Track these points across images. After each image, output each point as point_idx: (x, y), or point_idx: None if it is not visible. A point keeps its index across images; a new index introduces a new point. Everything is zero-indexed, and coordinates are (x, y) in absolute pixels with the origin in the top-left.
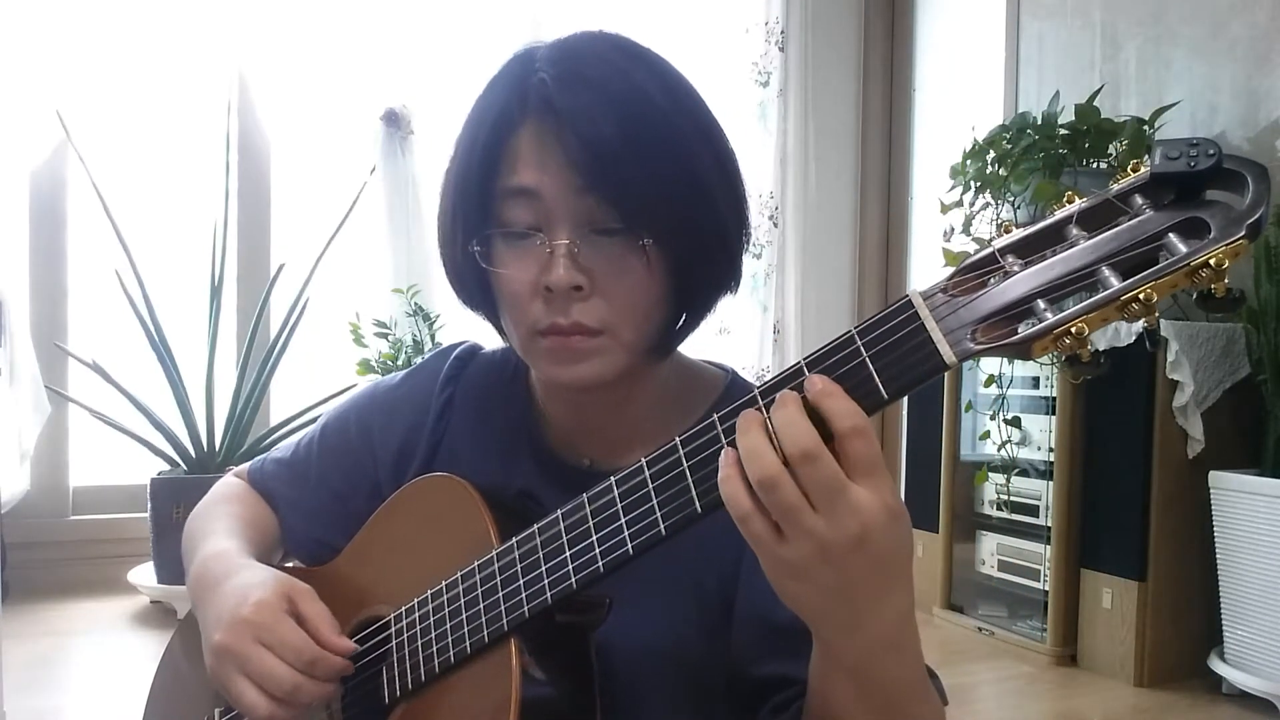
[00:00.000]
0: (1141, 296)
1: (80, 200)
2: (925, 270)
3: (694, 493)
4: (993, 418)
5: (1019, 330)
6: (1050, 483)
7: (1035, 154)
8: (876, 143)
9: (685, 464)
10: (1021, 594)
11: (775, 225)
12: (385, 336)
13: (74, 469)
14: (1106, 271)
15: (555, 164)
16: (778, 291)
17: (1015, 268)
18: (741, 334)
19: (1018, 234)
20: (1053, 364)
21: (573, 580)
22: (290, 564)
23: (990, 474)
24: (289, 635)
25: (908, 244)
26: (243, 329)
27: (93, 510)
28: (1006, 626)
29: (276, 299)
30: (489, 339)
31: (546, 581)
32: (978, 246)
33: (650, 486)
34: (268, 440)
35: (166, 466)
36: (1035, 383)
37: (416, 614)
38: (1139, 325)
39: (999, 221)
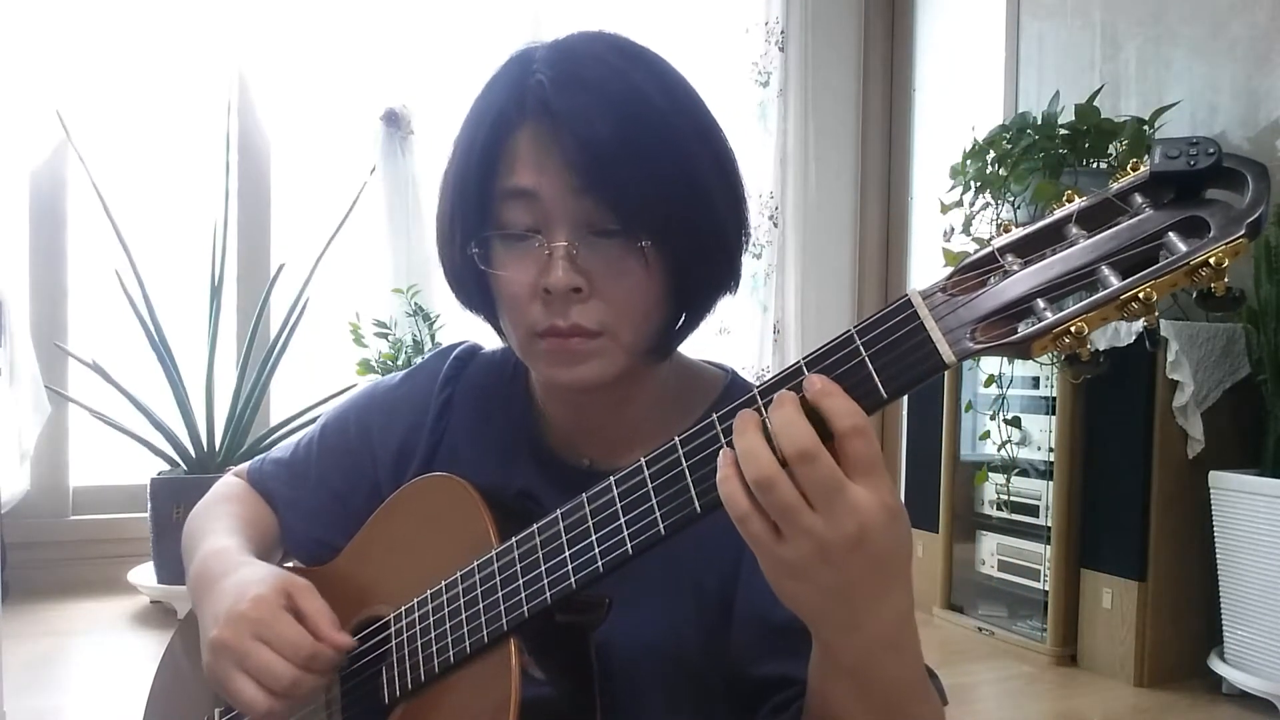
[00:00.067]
0: (1141, 295)
1: (80, 200)
2: (925, 270)
3: (693, 493)
4: (993, 418)
5: (1019, 329)
6: (1050, 483)
7: (1035, 154)
8: (876, 143)
9: (685, 464)
10: (1021, 594)
11: (775, 225)
12: (385, 336)
13: (74, 469)
14: (1106, 270)
15: (553, 166)
16: (778, 291)
17: (1015, 267)
18: (741, 334)
19: (1017, 233)
20: (1053, 364)
21: (572, 580)
22: (290, 564)
23: (990, 474)
24: (287, 631)
25: (908, 244)
26: (243, 329)
27: (93, 510)
28: (1006, 626)
29: (276, 299)
30: (489, 339)
31: (546, 581)
32: (978, 246)
33: (650, 486)
34: (268, 440)
35: (166, 466)
36: (1035, 383)
37: (416, 614)
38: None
39: (999, 221)
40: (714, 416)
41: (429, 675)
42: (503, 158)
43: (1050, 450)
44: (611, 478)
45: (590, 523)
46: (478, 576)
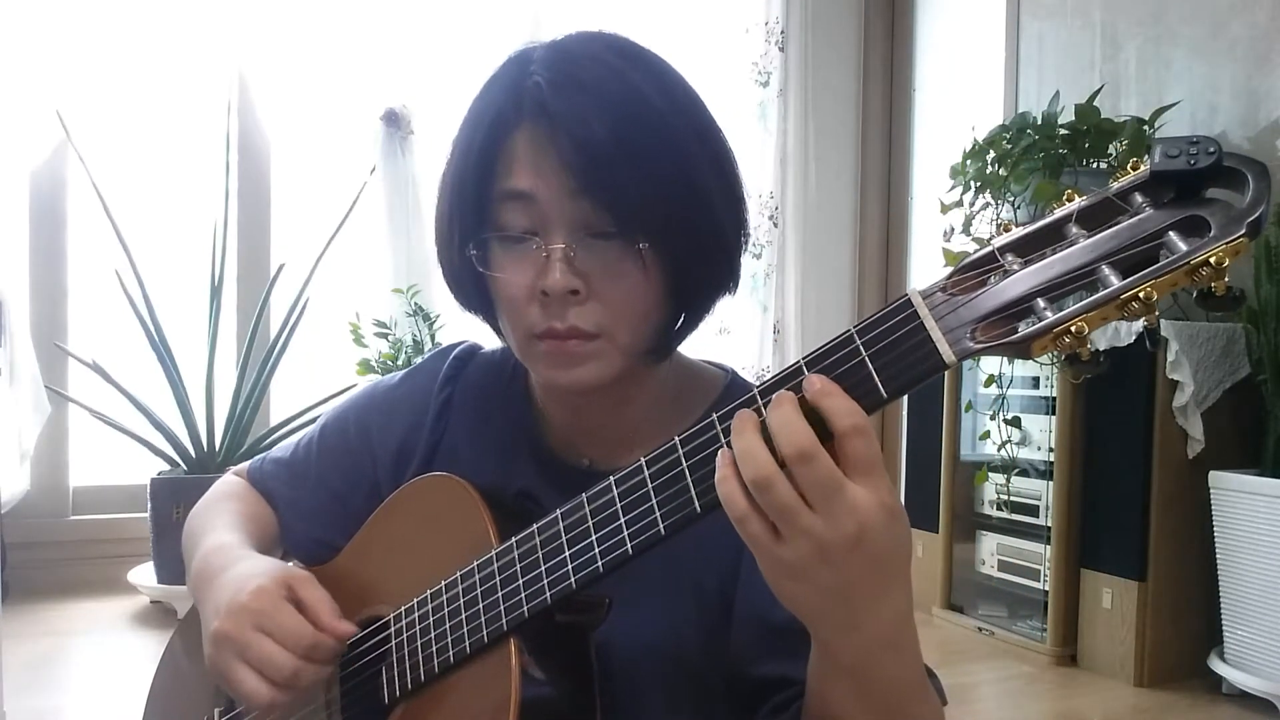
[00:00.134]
0: (1141, 295)
1: (80, 200)
2: (925, 270)
3: (693, 493)
4: (993, 418)
5: (1019, 329)
6: (1050, 483)
7: (1035, 154)
8: (876, 143)
9: (684, 464)
10: (1021, 594)
11: (775, 225)
12: (385, 336)
13: (74, 469)
14: (1106, 270)
15: (550, 167)
16: (778, 291)
17: (1015, 266)
18: (741, 334)
19: (1017, 233)
20: (1053, 363)
21: (572, 580)
22: (290, 563)
23: (990, 474)
24: (288, 621)
25: (908, 244)
26: (243, 329)
27: (93, 510)
28: (1006, 626)
29: (276, 299)
30: (489, 339)
31: (546, 581)
32: (978, 246)
33: (650, 486)
34: (268, 440)
35: (166, 466)
36: (1035, 383)
37: (416, 614)
38: (1139, 325)
39: (999, 221)
40: (714, 416)
41: (429, 675)
42: (500, 159)
43: (1050, 450)
44: (611, 478)
45: (590, 523)
46: (477, 576)
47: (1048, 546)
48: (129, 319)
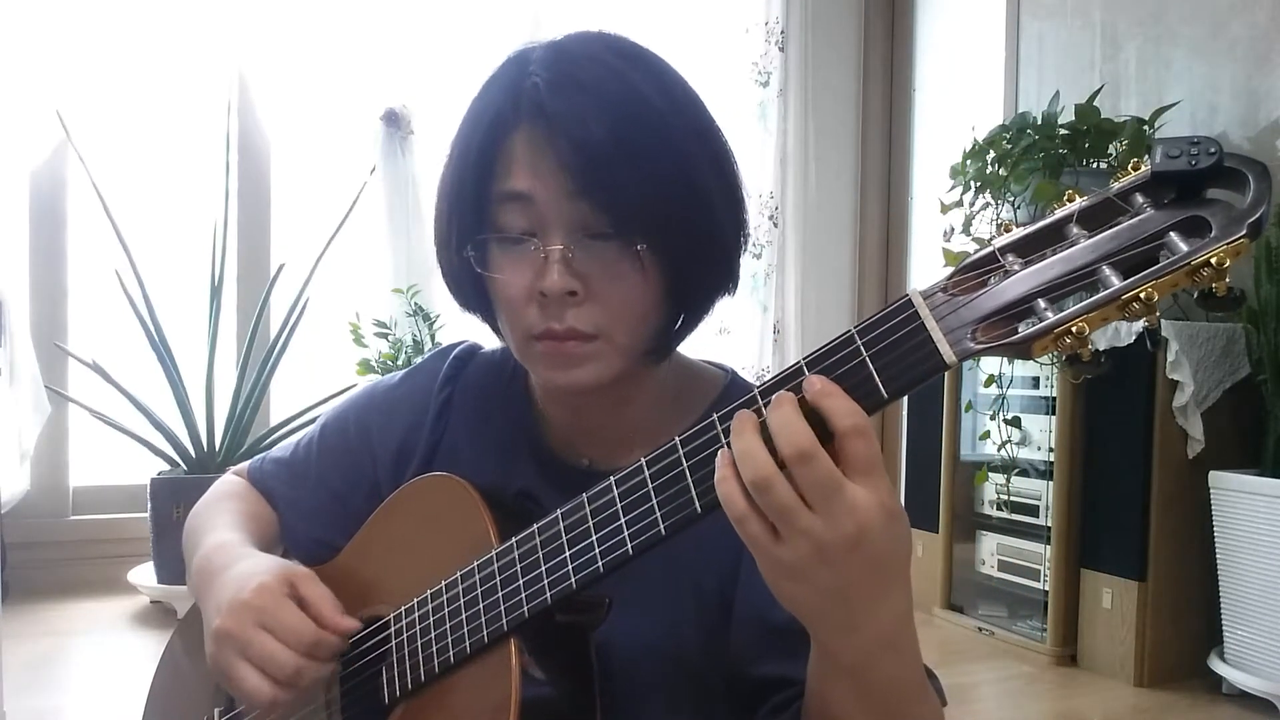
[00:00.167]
0: (1142, 296)
1: (80, 200)
2: (925, 270)
3: (693, 493)
4: (993, 418)
5: (1019, 329)
6: (1050, 483)
7: (1035, 154)
8: (876, 143)
9: (685, 464)
10: (1021, 594)
11: (775, 225)
12: (385, 336)
13: (74, 469)
14: (1107, 270)
15: (548, 168)
16: (778, 291)
17: (1015, 267)
18: (741, 334)
19: (1018, 233)
20: (1053, 364)
21: (572, 580)
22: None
23: (990, 474)
24: (290, 618)
25: (908, 244)
26: (243, 329)
27: (93, 510)
28: (1006, 626)
29: (276, 299)
30: (488, 339)
31: (546, 581)
32: (978, 246)
33: (650, 486)
34: (268, 440)
35: (166, 466)
36: (1035, 383)
37: (416, 614)
38: (1139, 325)
39: (999, 221)
40: (714, 416)
41: (429, 675)
42: (498, 160)
43: (1050, 450)
44: (612, 478)
45: (590, 523)
46: (478, 576)
47: (1048, 546)
48: (129, 319)
